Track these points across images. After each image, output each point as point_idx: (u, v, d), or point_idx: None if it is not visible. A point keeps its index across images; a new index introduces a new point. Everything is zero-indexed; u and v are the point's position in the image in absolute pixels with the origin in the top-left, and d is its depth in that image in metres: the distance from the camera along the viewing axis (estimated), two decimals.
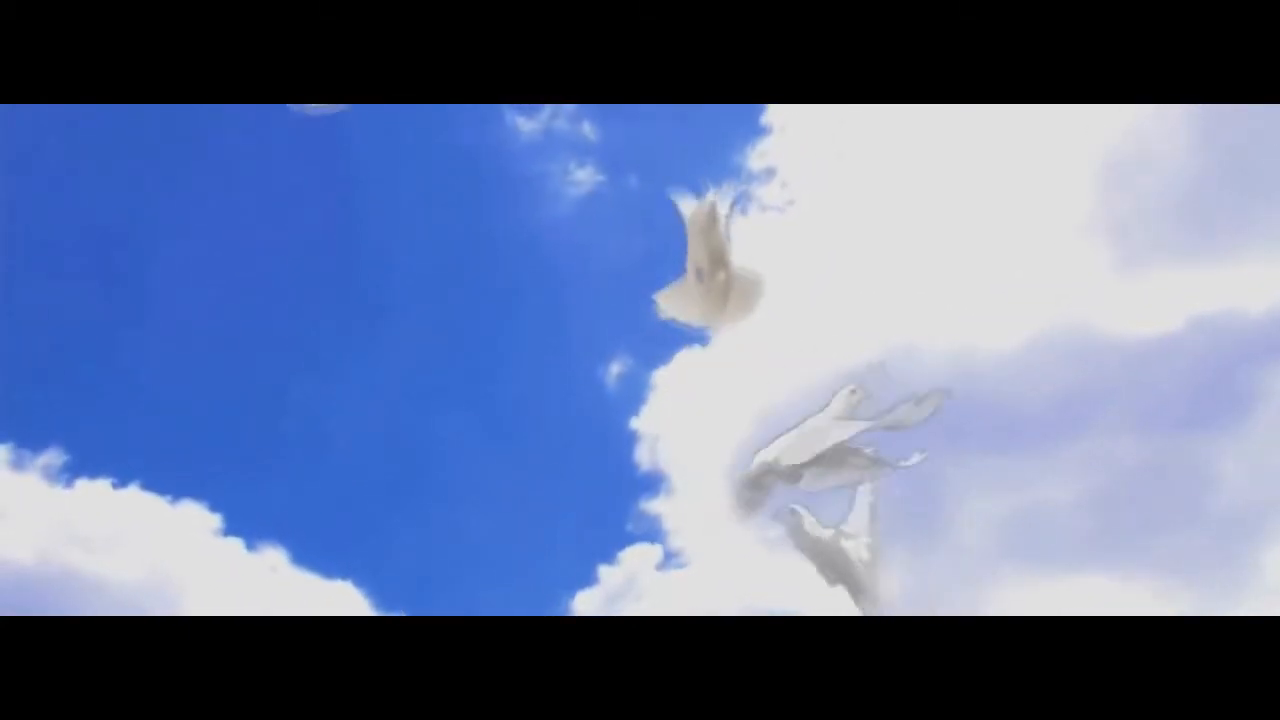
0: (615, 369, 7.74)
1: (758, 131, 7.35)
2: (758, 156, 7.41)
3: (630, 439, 7.48)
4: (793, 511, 2.77)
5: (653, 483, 7.40)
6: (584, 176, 7.59)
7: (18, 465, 7.18)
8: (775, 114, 7.35)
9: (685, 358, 7.41)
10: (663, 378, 7.58)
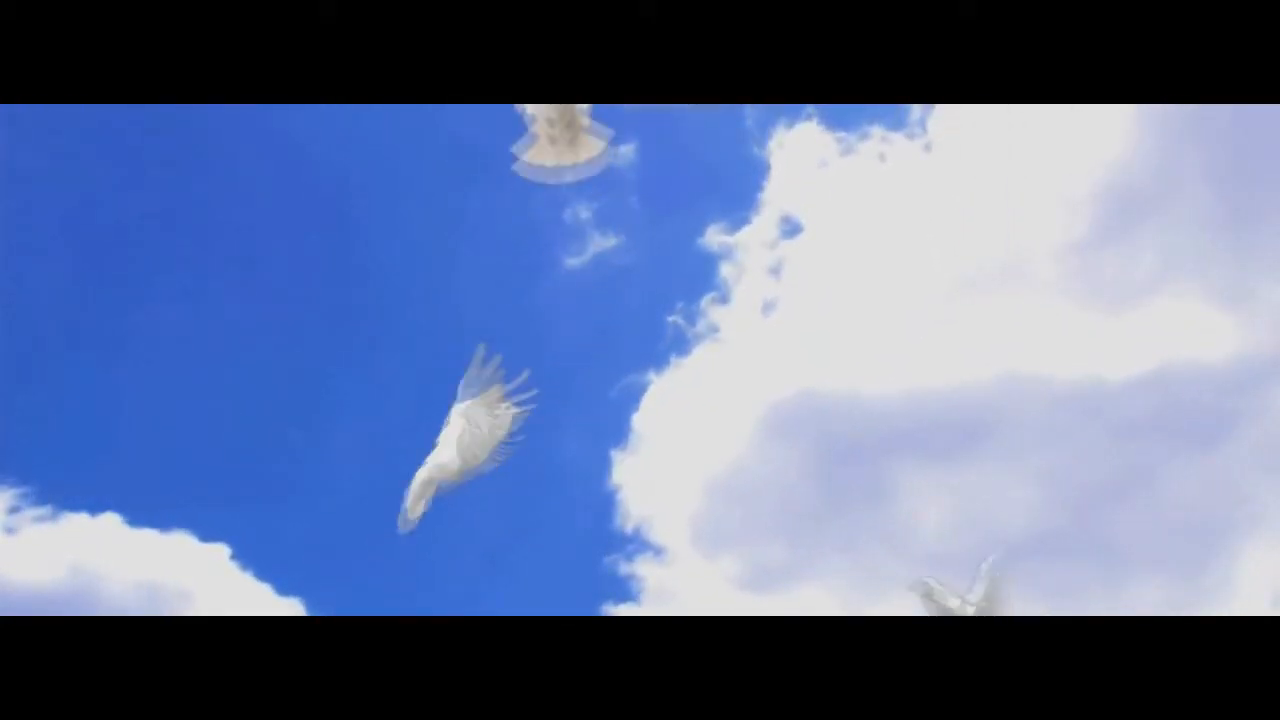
0: (593, 431, 7.99)
1: (738, 222, 7.97)
2: (715, 233, 7.95)
3: (608, 500, 7.71)
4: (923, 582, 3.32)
5: (632, 543, 7.64)
6: (599, 242, 7.87)
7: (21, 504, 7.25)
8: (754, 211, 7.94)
9: (657, 405, 7.71)
10: (635, 436, 7.84)
